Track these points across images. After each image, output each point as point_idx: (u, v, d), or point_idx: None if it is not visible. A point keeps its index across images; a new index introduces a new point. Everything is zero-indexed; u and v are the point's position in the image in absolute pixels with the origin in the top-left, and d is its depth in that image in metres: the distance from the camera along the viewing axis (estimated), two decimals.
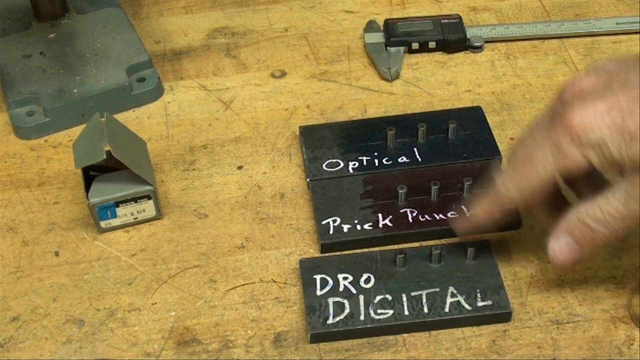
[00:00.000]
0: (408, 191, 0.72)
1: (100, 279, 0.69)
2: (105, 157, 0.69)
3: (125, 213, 0.72)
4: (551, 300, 0.66)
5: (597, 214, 0.61)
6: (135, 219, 0.73)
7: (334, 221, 0.71)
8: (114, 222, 0.72)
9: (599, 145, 0.58)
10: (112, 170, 0.72)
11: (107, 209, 0.71)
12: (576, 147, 0.59)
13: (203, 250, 0.71)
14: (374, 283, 0.66)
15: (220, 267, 0.70)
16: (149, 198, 0.72)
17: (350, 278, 0.67)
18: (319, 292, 0.66)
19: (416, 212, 0.71)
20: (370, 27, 0.90)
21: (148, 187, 0.71)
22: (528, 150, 0.62)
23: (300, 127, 0.79)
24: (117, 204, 0.71)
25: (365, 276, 0.67)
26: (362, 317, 0.64)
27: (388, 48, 0.88)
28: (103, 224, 0.72)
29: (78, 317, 0.67)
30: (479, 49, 0.88)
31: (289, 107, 0.83)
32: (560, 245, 0.63)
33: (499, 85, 0.84)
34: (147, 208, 0.72)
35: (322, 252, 0.70)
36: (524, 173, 0.62)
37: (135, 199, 0.72)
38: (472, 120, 0.79)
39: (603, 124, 0.58)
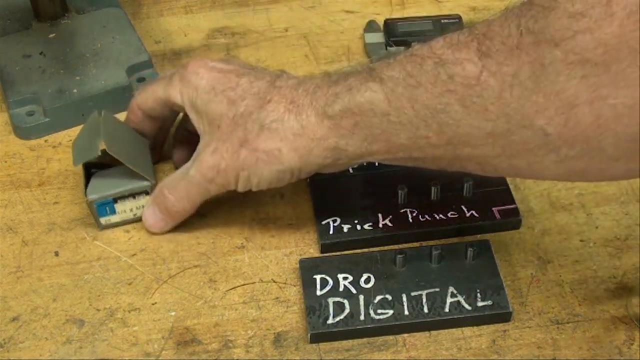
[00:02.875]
0: (408, 191, 0.72)
1: (100, 279, 0.69)
2: (99, 153, 0.70)
3: (124, 209, 0.72)
4: (551, 300, 0.66)
5: (172, 180, 0.70)
6: (134, 215, 0.72)
7: (334, 221, 0.71)
8: (114, 218, 0.72)
9: (195, 87, 0.68)
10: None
11: (106, 206, 0.71)
12: (180, 82, 0.70)
13: (203, 250, 0.71)
14: (374, 283, 0.66)
15: (220, 267, 0.70)
16: (147, 194, 0.72)
17: (350, 278, 0.67)
18: (319, 292, 0.66)
19: (416, 212, 0.71)
20: (370, 27, 0.90)
21: (146, 183, 0.71)
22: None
23: None
24: (116, 200, 0.71)
25: (365, 276, 0.67)
26: (362, 317, 0.64)
27: (388, 48, 0.88)
28: (103, 220, 0.72)
29: (78, 317, 0.67)
30: None
31: None
32: (148, 212, 0.72)
33: None
34: (146, 204, 0.72)
35: (322, 252, 0.70)
36: (143, 90, 0.74)
37: (134, 195, 0.71)
38: None
39: (208, 74, 0.68)
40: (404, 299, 0.65)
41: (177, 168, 0.74)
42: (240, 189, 0.68)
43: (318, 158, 0.65)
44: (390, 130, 0.61)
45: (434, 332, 0.65)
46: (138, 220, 0.73)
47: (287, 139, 0.65)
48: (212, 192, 0.69)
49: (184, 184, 0.69)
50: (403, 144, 0.61)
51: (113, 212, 0.72)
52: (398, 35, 0.88)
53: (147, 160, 0.74)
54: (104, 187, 0.71)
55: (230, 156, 0.66)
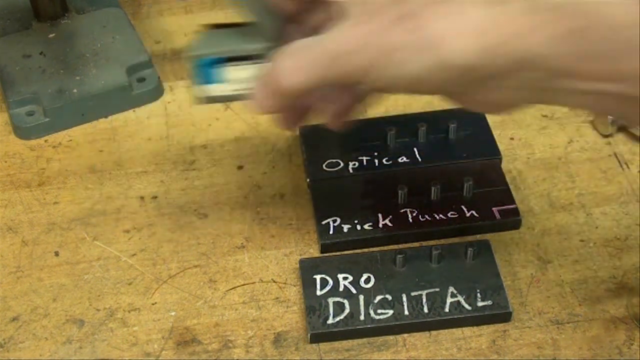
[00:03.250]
0: (408, 191, 0.72)
1: (100, 279, 0.69)
2: None
3: (232, 77, 0.57)
4: (551, 300, 0.66)
5: (293, 46, 0.54)
6: (242, 90, 0.57)
7: (334, 221, 0.71)
8: (216, 89, 0.58)
9: None
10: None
11: (211, 68, 0.57)
12: None
13: (203, 250, 0.71)
14: (374, 283, 0.66)
15: (220, 267, 0.70)
16: (264, 61, 0.56)
17: (350, 278, 0.67)
18: (319, 292, 0.66)
19: (416, 212, 0.71)
20: None
21: (265, 45, 0.56)
22: None
23: (300, 127, 0.79)
24: (226, 61, 0.57)
25: (365, 276, 0.67)
26: (362, 317, 0.64)
27: None
28: (203, 88, 0.58)
29: (78, 317, 0.67)
30: None
31: None
32: (258, 86, 0.56)
33: None
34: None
35: (322, 252, 0.70)
36: None
37: (249, 60, 0.57)
38: (473, 120, 0.79)
39: None
40: (404, 299, 0.65)
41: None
42: (371, 81, 0.52)
43: (496, 64, 0.48)
44: (623, 51, 0.45)
45: (434, 332, 0.65)
46: (243, 98, 0.58)
47: (464, 24, 0.47)
48: (337, 75, 0.52)
49: (307, 52, 0.53)
50: (631, 73, 0.46)
51: (218, 78, 0.57)
52: None
53: (275, 29, 0.58)
54: (214, 43, 0.57)
55: (380, 32, 0.49)
